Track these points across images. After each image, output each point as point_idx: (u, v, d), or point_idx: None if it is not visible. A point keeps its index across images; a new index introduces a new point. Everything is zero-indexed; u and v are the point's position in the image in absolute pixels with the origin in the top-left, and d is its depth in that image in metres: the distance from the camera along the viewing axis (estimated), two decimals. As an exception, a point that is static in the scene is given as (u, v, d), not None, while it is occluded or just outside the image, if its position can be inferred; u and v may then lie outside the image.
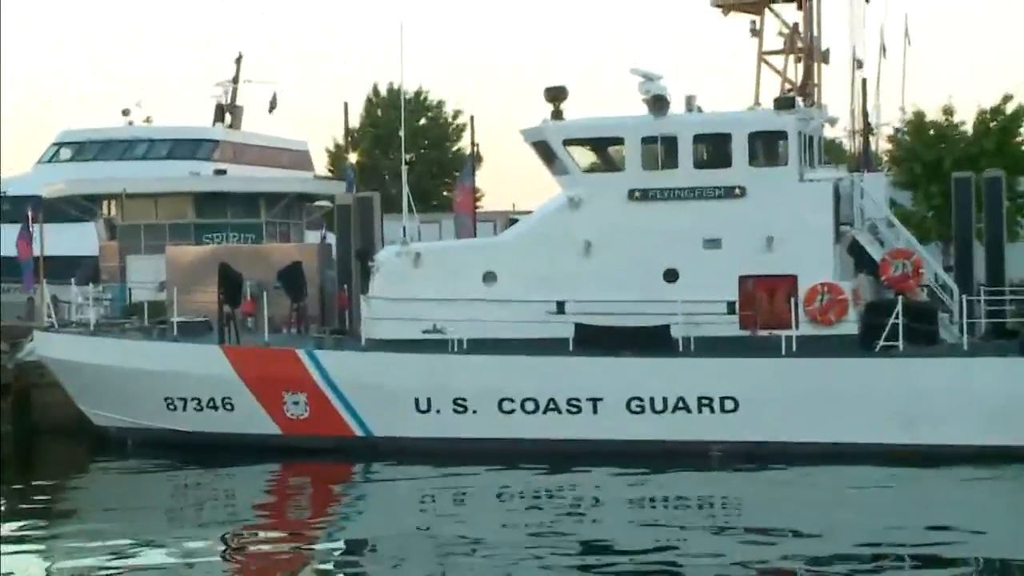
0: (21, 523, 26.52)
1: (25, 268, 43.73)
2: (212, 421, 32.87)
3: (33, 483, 31.60)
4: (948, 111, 41.29)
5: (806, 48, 34.86)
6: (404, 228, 33.89)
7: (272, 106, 68.30)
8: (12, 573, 22.39)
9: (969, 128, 41.44)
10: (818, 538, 23.75)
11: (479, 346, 31.39)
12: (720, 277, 31.34)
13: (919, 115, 41.55)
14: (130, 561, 22.94)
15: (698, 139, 32.22)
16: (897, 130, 43.10)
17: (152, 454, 32.54)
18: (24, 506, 28.51)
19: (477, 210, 48.08)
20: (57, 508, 28.45)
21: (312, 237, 56.73)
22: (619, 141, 32.65)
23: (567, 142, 32.58)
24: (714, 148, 32.36)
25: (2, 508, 27.68)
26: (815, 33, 35.18)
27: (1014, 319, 32.58)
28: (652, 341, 30.88)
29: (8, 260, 47.91)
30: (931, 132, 40.89)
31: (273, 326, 34.13)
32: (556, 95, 32.80)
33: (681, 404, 30.48)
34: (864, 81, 44.95)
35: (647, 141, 32.21)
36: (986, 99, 42.25)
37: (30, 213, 44.14)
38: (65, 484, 31.33)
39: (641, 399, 30.61)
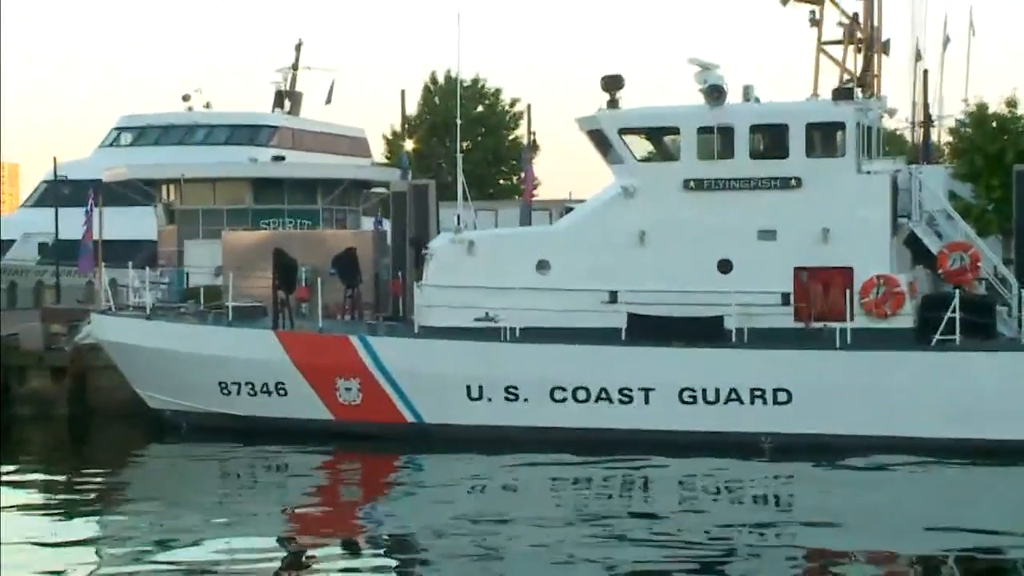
0: (74, 503, 26.85)
1: (84, 251, 44.20)
2: (265, 406, 33.08)
3: (88, 464, 31.99)
4: (1011, 103, 40.71)
5: (866, 38, 34.47)
6: (458, 216, 33.91)
7: (329, 97, 68.75)
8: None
9: (1032, 121, 40.81)
10: (863, 532, 23.60)
11: (531, 335, 31.39)
12: (775, 268, 31.15)
13: (981, 107, 41.01)
14: (179, 545, 23.09)
15: (755, 129, 32.01)
16: (959, 122, 42.60)
17: (206, 437, 32.80)
18: (77, 488, 28.85)
19: (533, 198, 48.04)
20: (110, 490, 28.72)
21: (368, 224, 56.96)
22: (675, 131, 32.49)
23: (622, 131, 32.45)
24: (771, 138, 32.14)
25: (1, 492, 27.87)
26: (875, 23, 34.78)
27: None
28: (705, 332, 30.76)
29: (69, 243, 48.41)
30: (993, 124, 40.33)
31: (327, 312, 34.30)
32: (612, 84, 32.65)
33: (734, 395, 30.36)
34: (925, 72, 44.55)
35: (703, 131, 32.02)
36: (1051, 91, 41.57)
37: (91, 196, 44.60)
38: (120, 466, 31.64)
39: (693, 390, 30.51)
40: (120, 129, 67.64)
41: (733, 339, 30.73)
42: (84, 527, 24.58)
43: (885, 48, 35.24)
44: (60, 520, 25.14)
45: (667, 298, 31.04)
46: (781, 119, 31.82)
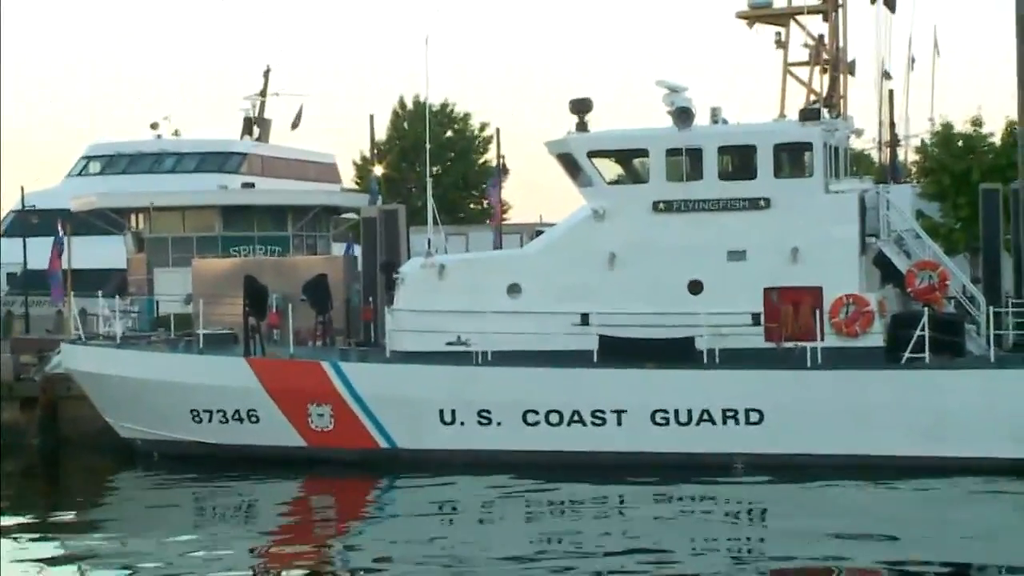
0: (46, 534, 26.66)
1: (54, 281, 44.00)
2: (237, 433, 32.94)
3: (59, 495, 31.79)
4: (976, 122, 41.08)
5: (832, 59, 34.73)
6: (429, 240, 33.95)
7: (295, 123, 68.79)
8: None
9: (998, 139, 41.21)
10: (840, 551, 23.66)
11: (503, 358, 31.38)
12: (745, 289, 31.25)
13: (947, 127, 41.37)
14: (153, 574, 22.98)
15: (723, 151, 32.17)
16: (924, 142, 42.94)
17: (178, 466, 32.63)
18: (49, 518, 28.65)
19: (504, 222, 48.16)
20: (82, 520, 28.54)
21: (339, 250, 56.87)
22: (644, 153, 32.60)
23: (591, 154, 32.56)
24: (739, 160, 32.29)
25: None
26: (841, 44, 35.05)
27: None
28: (676, 353, 30.83)
29: (38, 273, 48.18)
30: (959, 144, 40.68)
31: (298, 338, 34.22)
32: (581, 107, 32.78)
33: (706, 416, 30.42)
34: (891, 92, 44.86)
35: (672, 153, 32.16)
36: (1015, 110, 41.93)
37: (60, 226, 44.41)
38: (91, 498, 31.44)
39: (665, 411, 30.56)
40: (88, 158, 67.36)
41: (704, 360, 30.81)
42: (54, 563, 24.31)
43: (851, 69, 35.50)
44: (30, 554, 24.87)
45: (638, 320, 31.10)
46: (749, 140, 31.99)
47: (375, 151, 55.52)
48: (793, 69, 34.95)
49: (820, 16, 35.24)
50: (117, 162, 66.17)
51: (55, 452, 37.06)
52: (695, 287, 31.63)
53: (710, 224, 31.74)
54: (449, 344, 31.93)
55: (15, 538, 26.13)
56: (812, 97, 34.18)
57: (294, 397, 32.47)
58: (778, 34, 35.38)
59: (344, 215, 60.59)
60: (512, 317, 31.78)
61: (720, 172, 32.03)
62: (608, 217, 32.19)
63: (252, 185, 61.87)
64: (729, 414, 30.32)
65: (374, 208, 42.90)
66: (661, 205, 32.04)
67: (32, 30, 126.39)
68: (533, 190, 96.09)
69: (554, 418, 31.05)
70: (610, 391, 30.84)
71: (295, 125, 69.10)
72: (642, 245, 31.89)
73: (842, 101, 34.87)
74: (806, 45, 35.17)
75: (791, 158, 32.22)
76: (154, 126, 67.99)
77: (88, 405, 35.64)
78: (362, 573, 23.55)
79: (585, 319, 31.69)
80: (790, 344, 30.88)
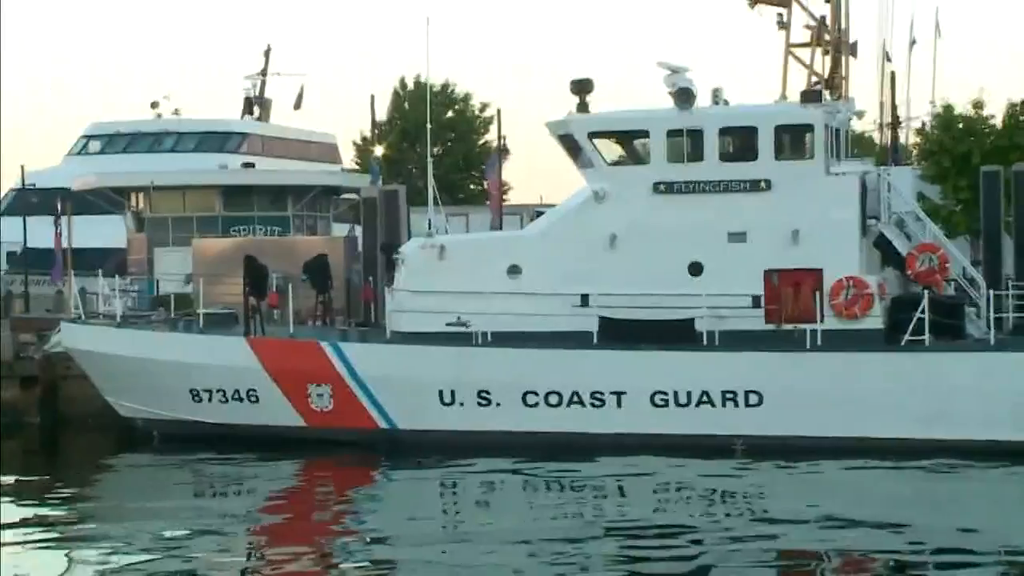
0: (45, 515, 26.69)
1: (55, 260, 43.97)
2: (237, 413, 32.98)
3: (59, 474, 31.85)
4: (977, 105, 41.05)
5: (833, 41, 34.65)
6: (429, 221, 33.93)
7: (298, 103, 68.66)
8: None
9: (999, 121, 41.18)
10: (840, 532, 23.69)
11: (503, 339, 31.39)
12: (745, 271, 31.24)
13: (948, 109, 41.33)
14: (151, 554, 22.99)
15: (724, 132, 32.13)
16: (925, 124, 42.93)
17: (178, 446, 32.66)
18: (49, 497, 28.69)
19: (504, 203, 48.08)
20: (82, 499, 28.57)
21: (339, 230, 56.78)
22: (644, 134, 32.55)
23: (592, 135, 32.51)
24: (740, 141, 32.26)
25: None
26: (842, 25, 34.97)
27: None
28: (676, 335, 30.84)
29: (37, 252, 48.13)
30: (960, 126, 40.65)
31: (298, 318, 34.25)
32: (582, 88, 32.73)
33: (705, 398, 30.45)
34: (893, 74, 44.85)
35: (673, 134, 32.11)
36: (1016, 92, 42.02)
37: (59, 205, 44.36)
38: (90, 476, 31.49)
39: (665, 393, 30.58)
40: (88, 137, 67.15)
41: (704, 342, 30.82)
42: (53, 545, 24.30)
43: (853, 50, 35.43)
44: (29, 536, 24.85)
45: (638, 301, 31.11)
46: (750, 122, 31.95)
47: (376, 131, 55.45)
48: (795, 50, 34.87)
49: (822, -3, 35.14)
50: (117, 141, 65.99)
51: (54, 431, 37.11)
52: (695, 269, 31.62)
53: (711, 206, 31.70)
54: (449, 325, 31.92)
55: (14, 509, 26.19)
56: (814, 79, 34.12)
57: (294, 377, 32.49)
58: (780, 15, 35.30)
59: (345, 195, 60.49)
60: (512, 298, 31.79)
61: (721, 153, 32.00)
62: (608, 198, 32.16)
63: (252, 165, 61.71)
64: (729, 396, 30.34)
65: (374, 188, 42.90)
66: (662, 186, 32.00)
67: (32, 9, 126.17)
68: (533, 171, 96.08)
69: (554, 399, 31.07)
70: (610, 372, 30.85)
71: (297, 106, 68.99)
72: (642, 226, 31.85)
73: (844, 83, 34.80)
74: (808, 26, 35.09)
75: (792, 140, 32.20)
76: (154, 105, 67.79)
77: (88, 384, 35.67)
78: (361, 555, 23.57)
79: (585, 300, 31.68)
80: (790, 326, 30.88)
